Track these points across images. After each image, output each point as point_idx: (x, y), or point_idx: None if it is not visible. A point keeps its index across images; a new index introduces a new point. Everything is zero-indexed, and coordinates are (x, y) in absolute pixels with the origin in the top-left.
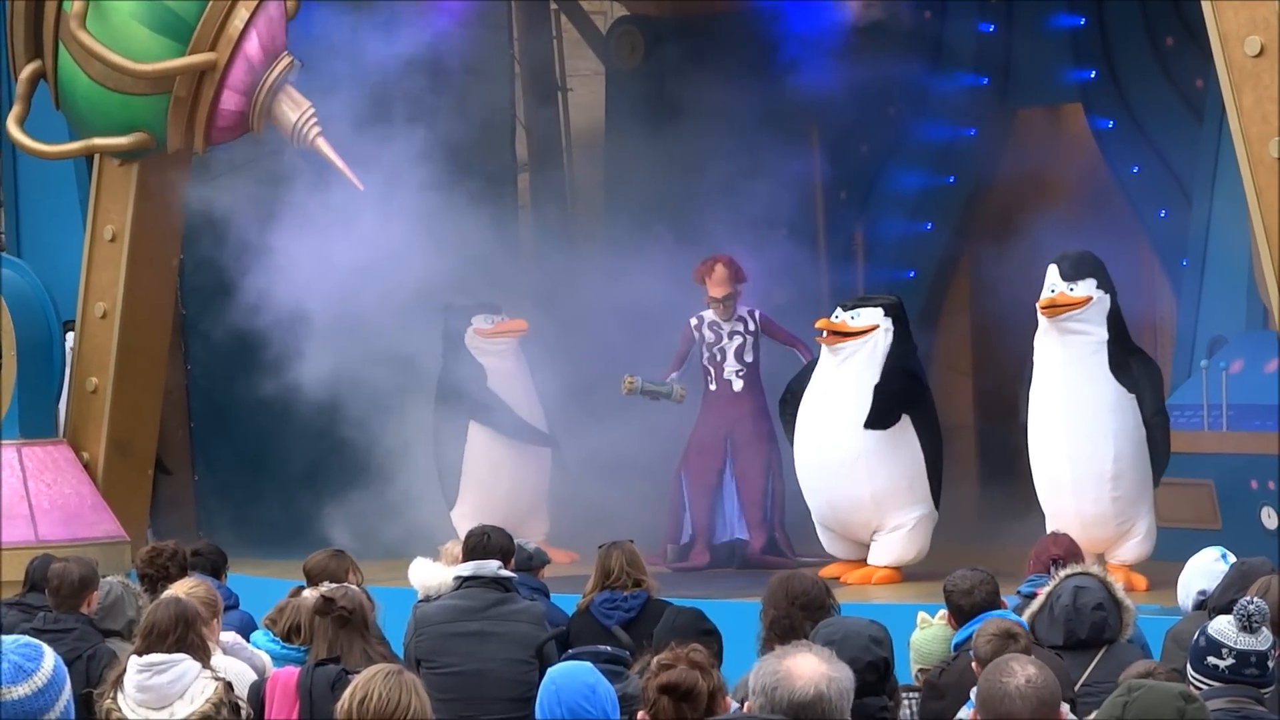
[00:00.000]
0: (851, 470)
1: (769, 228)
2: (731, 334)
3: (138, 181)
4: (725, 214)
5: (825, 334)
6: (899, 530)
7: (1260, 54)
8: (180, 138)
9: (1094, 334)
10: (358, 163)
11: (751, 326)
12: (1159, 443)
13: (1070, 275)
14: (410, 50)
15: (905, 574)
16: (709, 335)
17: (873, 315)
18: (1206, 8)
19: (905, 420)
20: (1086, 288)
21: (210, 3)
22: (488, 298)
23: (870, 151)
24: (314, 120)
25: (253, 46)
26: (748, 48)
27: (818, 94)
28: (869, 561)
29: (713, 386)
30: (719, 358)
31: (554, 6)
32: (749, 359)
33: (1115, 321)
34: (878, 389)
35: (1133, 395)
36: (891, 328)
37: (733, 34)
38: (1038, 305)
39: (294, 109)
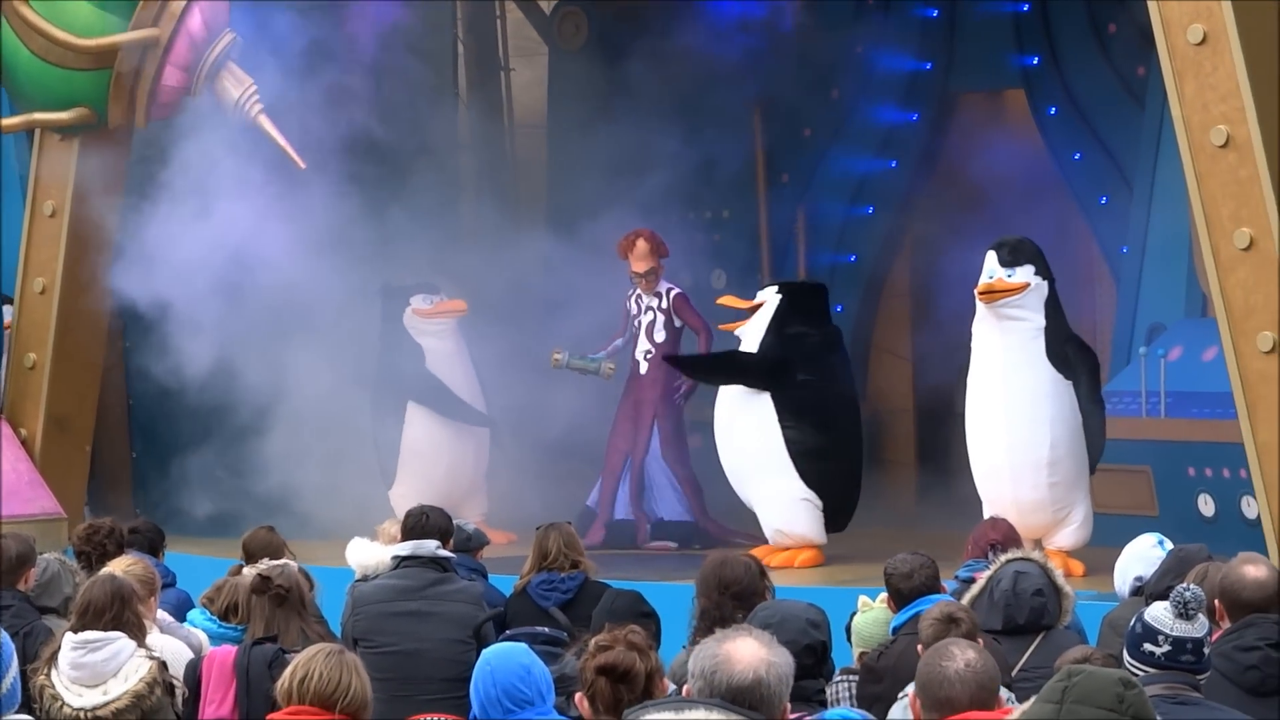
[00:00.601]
0: (721, 440)
1: (711, 210)
2: (646, 309)
3: (78, 157)
4: (667, 195)
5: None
6: (767, 506)
7: (1202, 42)
8: (122, 113)
9: (1031, 320)
10: (298, 139)
11: (664, 304)
12: (1095, 429)
13: (1008, 261)
14: (353, 28)
15: (839, 557)
16: (634, 309)
17: (765, 294)
18: None
19: (766, 398)
20: (1025, 274)
21: None
22: (427, 277)
23: (813, 135)
24: (256, 97)
25: (195, 22)
26: (691, 30)
27: (761, 77)
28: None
29: (631, 365)
30: (636, 331)
31: None
32: (659, 339)
33: (1053, 308)
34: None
35: (1069, 382)
36: (779, 304)
37: (677, 16)
38: (975, 291)
39: (236, 86)
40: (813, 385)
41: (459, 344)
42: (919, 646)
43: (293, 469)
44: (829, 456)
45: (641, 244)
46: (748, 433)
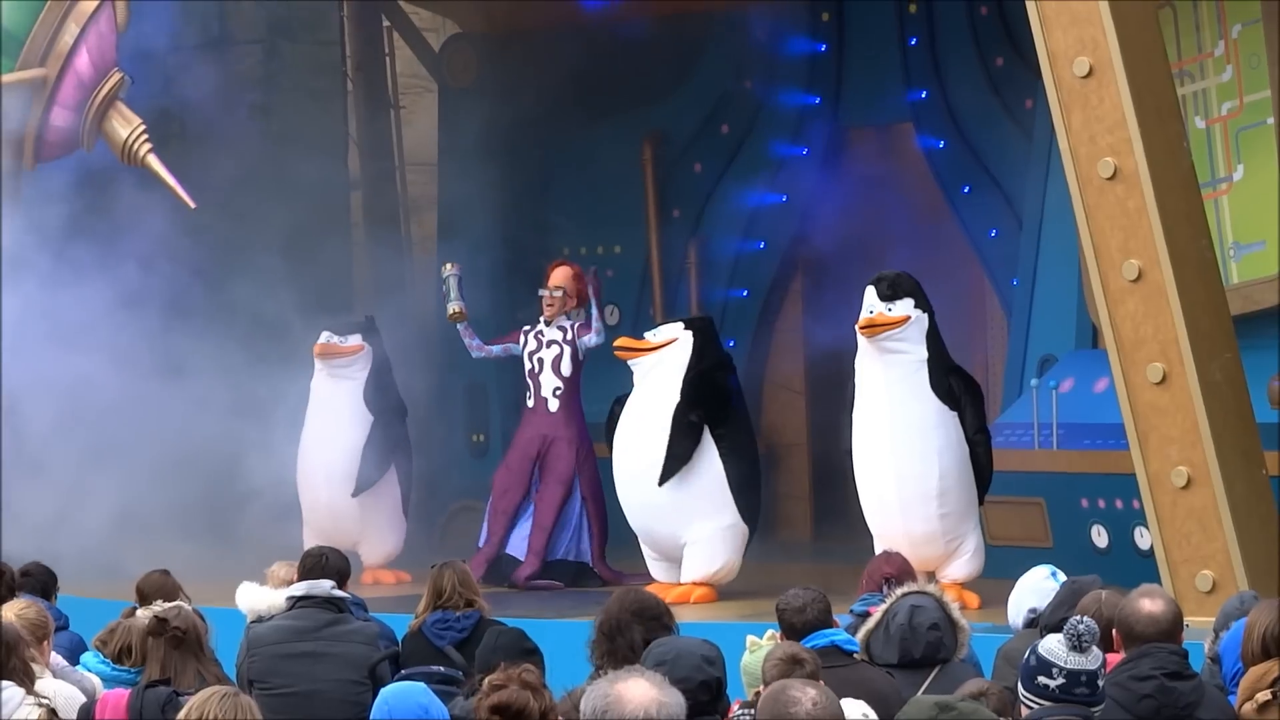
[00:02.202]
0: (652, 481)
1: (602, 245)
2: (550, 343)
3: None
4: (558, 232)
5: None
6: (700, 543)
7: (1089, 75)
8: (10, 155)
9: (913, 353)
10: (188, 179)
11: (569, 336)
12: (982, 459)
13: (888, 295)
14: (241, 67)
15: (734, 592)
16: (531, 343)
17: (672, 330)
18: (1036, 29)
19: (704, 433)
20: (904, 307)
21: (40, 18)
22: (355, 317)
23: (703, 170)
24: (145, 137)
25: (83, 62)
26: (581, 65)
27: (651, 111)
28: (682, 578)
29: (530, 403)
30: (537, 369)
31: (386, 24)
32: (566, 373)
33: (934, 340)
34: (668, 450)
35: (954, 413)
36: (692, 341)
37: (565, 51)
38: (856, 326)
39: (125, 126)
40: (738, 411)
41: (333, 391)
42: (760, 687)
43: (193, 511)
44: (758, 486)
45: (565, 268)
46: (690, 475)
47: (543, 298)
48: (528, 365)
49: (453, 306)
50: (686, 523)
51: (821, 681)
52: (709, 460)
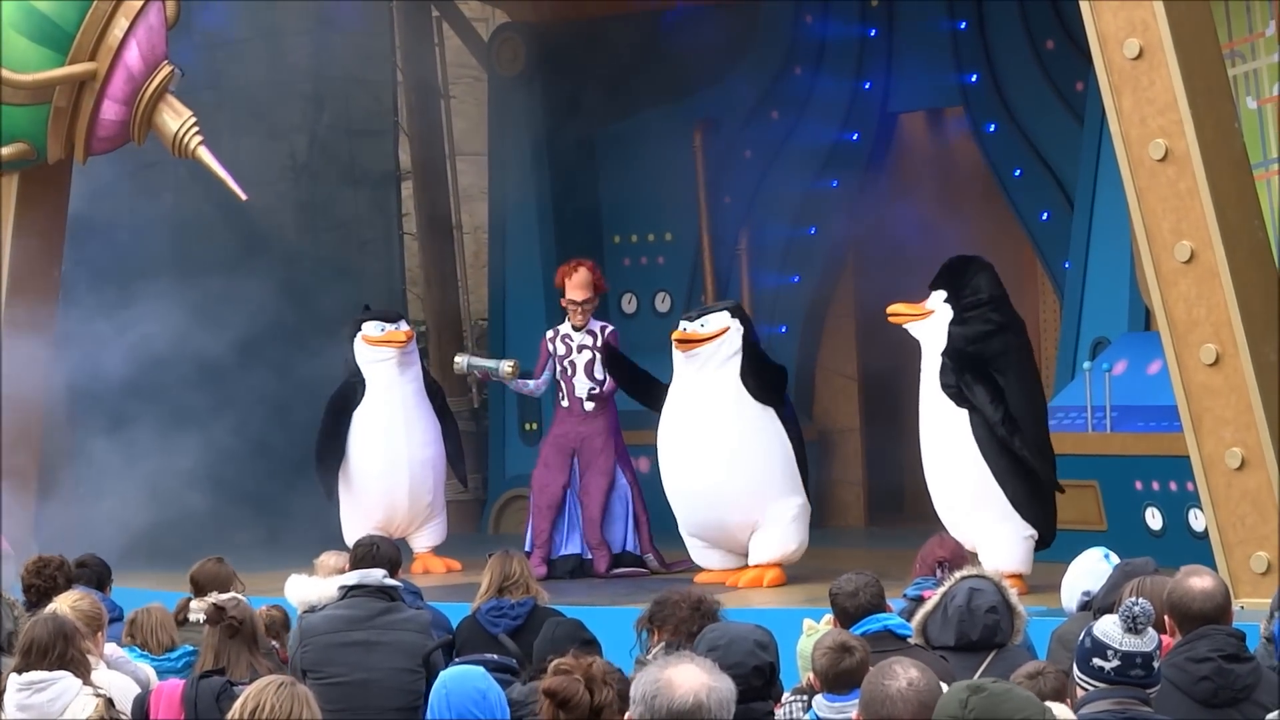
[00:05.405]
0: (728, 468)
1: (654, 232)
2: (580, 347)
3: (19, 192)
4: (609, 220)
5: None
6: (779, 524)
7: (1139, 56)
8: (61, 148)
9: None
10: (239, 171)
11: (599, 342)
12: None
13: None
14: (293, 59)
15: (789, 577)
16: (560, 348)
17: (720, 319)
18: (1085, 11)
19: (771, 412)
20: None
21: (90, 12)
22: (392, 307)
23: (754, 156)
24: (196, 130)
25: (133, 56)
26: (629, 54)
27: (700, 99)
28: (751, 562)
29: (564, 403)
30: (570, 372)
31: (435, 14)
32: (600, 376)
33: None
34: (751, 374)
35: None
36: (740, 327)
37: (614, 40)
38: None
39: (175, 118)
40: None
41: (400, 379)
42: (811, 676)
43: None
44: (806, 462)
45: (583, 272)
46: (766, 455)
47: (569, 309)
48: (558, 368)
49: (504, 366)
50: (763, 505)
51: (926, 666)
52: (781, 440)
